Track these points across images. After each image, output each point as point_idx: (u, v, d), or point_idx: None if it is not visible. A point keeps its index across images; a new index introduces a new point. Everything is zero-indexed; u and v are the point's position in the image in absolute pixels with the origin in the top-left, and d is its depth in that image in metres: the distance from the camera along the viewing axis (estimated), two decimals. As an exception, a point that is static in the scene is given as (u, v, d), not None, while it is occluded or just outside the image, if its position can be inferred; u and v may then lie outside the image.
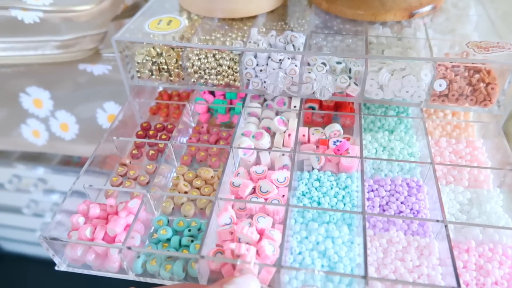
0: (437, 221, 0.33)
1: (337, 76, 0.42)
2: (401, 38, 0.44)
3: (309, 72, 0.41)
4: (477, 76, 0.39)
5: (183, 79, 0.45)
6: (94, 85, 0.58)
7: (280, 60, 0.41)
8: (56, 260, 0.35)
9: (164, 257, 0.34)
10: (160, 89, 0.52)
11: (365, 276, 0.29)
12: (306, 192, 0.37)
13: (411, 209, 0.36)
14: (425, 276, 0.32)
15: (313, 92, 0.41)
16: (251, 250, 0.30)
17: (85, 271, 0.35)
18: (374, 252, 0.33)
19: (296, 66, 0.41)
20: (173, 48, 0.45)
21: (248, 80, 0.43)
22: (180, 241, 0.35)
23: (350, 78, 0.42)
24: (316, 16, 0.49)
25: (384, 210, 0.36)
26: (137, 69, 0.45)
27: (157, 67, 0.45)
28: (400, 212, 0.36)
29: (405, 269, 0.32)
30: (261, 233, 0.33)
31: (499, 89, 0.39)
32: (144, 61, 0.45)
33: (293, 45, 0.42)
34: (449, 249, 0.31)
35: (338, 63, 0.42)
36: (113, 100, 0.59)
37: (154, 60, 0.45)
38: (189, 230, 0.36)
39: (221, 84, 0.44)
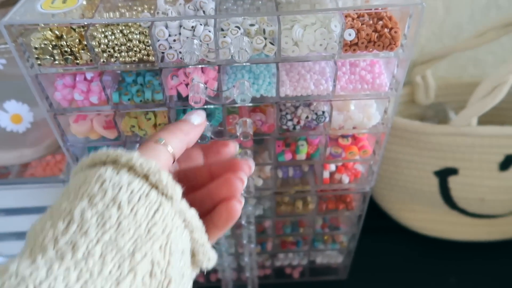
0: None
1: (253, 38, 0.41)
2: (307, -5, 0.45)
3: (224, 37, 0.41)
4: (380, 22, 0.41)
5: (91, 60, 0.42)
6: (-12, 84, 0.51)
7: (192, 27, 0.40)
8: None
9: (134, 91, 0.44)
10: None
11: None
12: None
13: None
14: None
15: (231, 56, 0.40)
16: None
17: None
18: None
19: (210, 31, 0.40)
20: (74, 29, 0.41)
21: (163, 53, 0.42)
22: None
23: (265, 38, 0.42)
24: (222, -17, 0.48)
25: None
26: (36, 56, 0.41)
27: (59, 51, 0.41)
28: None
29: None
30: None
31: (401, 33, 0.42)
32: (43, 45, 0.40)
33: (204, 11, 0.41)
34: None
35: (252, 25, 0.42)
36: (14, 99, 0.53)
37: (54, 43, 0.41)
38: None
39: (134, 60, 0.42)
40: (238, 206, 0.32)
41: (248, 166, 0.35)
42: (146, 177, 0.27)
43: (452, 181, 0.67)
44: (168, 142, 0.32)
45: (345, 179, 0.55)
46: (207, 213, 0.32)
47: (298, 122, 0.47)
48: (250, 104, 0.46)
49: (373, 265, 0.73)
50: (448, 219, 0.74)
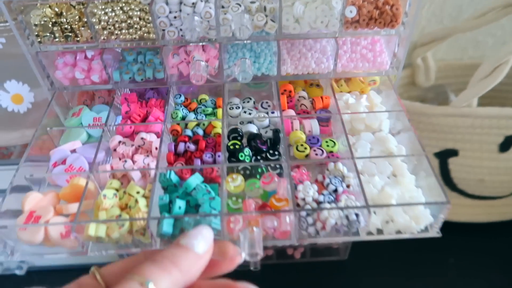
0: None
1: (253, 15, 0.41)
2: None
3: (225, 14, 0.41)
4: (382, -1, 0.41)
5: (91, 38, 0.41)
6: (-12, 64, 0.51)
7: (193, 3, 0.40)
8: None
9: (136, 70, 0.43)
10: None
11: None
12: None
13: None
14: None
15: (232, 34, 0.40)
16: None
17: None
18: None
19: (210, 8, 0.40)
20: (73, 6, 0.41)
21: (163, 30, 0.41)
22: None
23: (266, 16, 0.41)
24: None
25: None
26: (36, 33, 0.41)
27: (59, 28, 0.41)
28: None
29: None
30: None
31: (402, 10, 0.42)
32: (42, 22, 0.40)
33: (204, -12, 0.41)
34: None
35: (252, 2, 0.41)
36: (14, 78, 0.53)
37: (54, 21, 0.40)
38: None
39: (135, 38, 0.42)
40: None
41: None
42: None
43: (452, 162, 0.67)
44: (158, 285, 0.23)
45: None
46: None
47: (323, 228, 0.35)
48: (255, 211, 0.35)
49: (373, 246, 0.74)
50: (447, 201, 0.75)
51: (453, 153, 0.66)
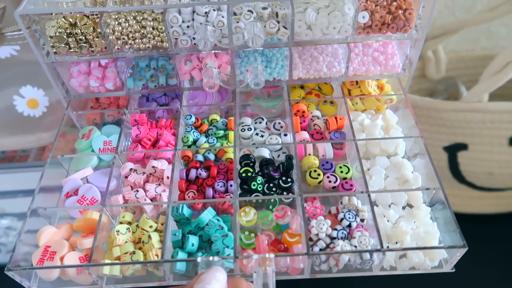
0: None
1: (266, 22, 0.41)
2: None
3: (237, 22, 0.41)
4: (395, 3, 0.41)
5: (105, 48, 0.42)
6: (3, 70, 0.52)
7: (206, 13, 0.40)
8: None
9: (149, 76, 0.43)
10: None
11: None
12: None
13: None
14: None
15: (245, 42, 0.41)
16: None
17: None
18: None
19: (223, 17, 0.40)
20: (87, 16, 0.41)
21: (176, 39, 0.42)
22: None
23: (278, 22, 0.41)
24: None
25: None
26: (52, 44, 0.41)
27: (74, 39, 0.41)
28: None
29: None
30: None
31: (415, 14, 0.42)
32: (57, 33, 0.41)
33: (216, -4, 0.41)
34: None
35: (264, 8, 0.41)
36: (29, 84, 0.53)
37: (69, 31, 0.41)
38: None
39: (148, 47, 0.42)
40: None
41: None
42: None
43: (461, 156, 0.68)
44: None
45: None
46: None
47: (336, 265, 0.36)
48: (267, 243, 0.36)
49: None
50: (456, 193, 0.76)
51: (463, 147, 0.67)
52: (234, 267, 0.35)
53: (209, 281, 0.28)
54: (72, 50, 0.42)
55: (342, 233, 0.36)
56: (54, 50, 0.42)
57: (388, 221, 0.39)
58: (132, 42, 0.42)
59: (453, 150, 0.68)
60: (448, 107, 0.62)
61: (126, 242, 0.37)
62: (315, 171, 0.41)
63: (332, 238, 0.36)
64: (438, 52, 0.72)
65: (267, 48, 0.44)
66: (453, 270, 0.37)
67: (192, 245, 0.36)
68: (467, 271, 0.70)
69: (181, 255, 0.35)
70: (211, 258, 0.33)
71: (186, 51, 0.43)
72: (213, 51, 0.44)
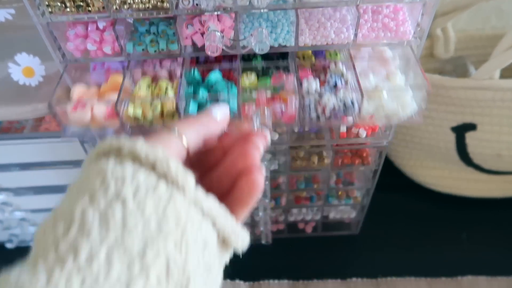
0: None
1: (271, -18, 0.39)
2: None
3: (242, -19, 0.39)
4: (407, -36, 0.39)
5: (103, 8, 0.40)
6: (-3, 36, 0.50)
7: (208, -30, 0.38)
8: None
9: (148, 41, 0.44)
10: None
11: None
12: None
13: None
14: None
15: (249, 2, 0.39)
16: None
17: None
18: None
19: (227, -25, 0.38)
20: (84, -26, 0.39)
21: (177, -1, 0.40)
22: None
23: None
24: None
25: None
26: (47, 3, 0.39)
27: (70, -3, 0.39)
28: None
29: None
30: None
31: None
32: (53, -9, 0.39)
33: (220, -47, 0.39)
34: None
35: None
36: (25, 51, 0.51)
37: (64, -11, 0.39)
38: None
39: (148, 7, 0.40)
40: (259, 177, 0.28)
41: (263, 136, 0.31)
42: (152, 167, 0.24)
43: (470, 136, 0.66)
44: (182, 132, 0.28)
45: (362, 133, 0.54)
46: (227, 192, 0.29)
47: (323, 112, 0.43)
48: (268, 92, 0.43)
49: (386, 221, 0.74)
50: (463, 176, 0.74)
51: (471, 127, 0.65)
52: (237, 111, 0.42)
53: (214, 107, 0.32)
54: (68, 9, 0.40)
55: (329, 89, 0.44)
56: (50, 10, 0.40)
57: (368, 84, 0.45)
58: (131, 1, 0.40)
59: (461, 131, 0.66)
60: (457, 84, 0.60)
61: (146, 96, 0.44)
62: (308, 56, 0.49)
63: (321, 95, 0.43)
64: (447, 30, 0.70)
65: (272, 10, 0.42)
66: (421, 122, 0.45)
67: (203, 97, 0.43)
68: (471, 254, 0.69)
69: (193, 103, 0.43)
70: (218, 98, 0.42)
71: (187, 12, 0.41)
72: (215, 13, 0.42)
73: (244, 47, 0.43)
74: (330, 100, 0.42)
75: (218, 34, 0.41)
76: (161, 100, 0.43)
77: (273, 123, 0.42)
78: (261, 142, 0.30)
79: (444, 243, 0.70)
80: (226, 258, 0.28)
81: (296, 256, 0.71)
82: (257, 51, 0.41)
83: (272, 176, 0.62)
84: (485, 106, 0.61)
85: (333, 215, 0.71)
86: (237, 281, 0.66)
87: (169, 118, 0.43)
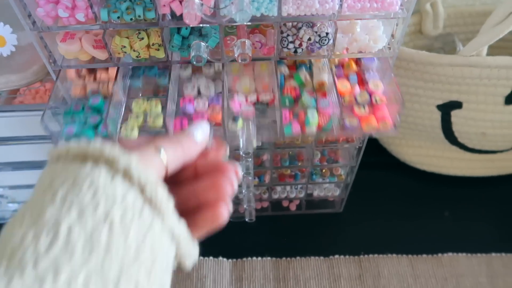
0: None
1: None
2: None
3: None
4: None
5: (74, -30, 0.38)
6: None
7: None
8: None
9: (124, 8, 0.42)
10: None
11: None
12: None
13: None
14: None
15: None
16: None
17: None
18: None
19: None
20: None
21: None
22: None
23: None
24: None
25: None
26: (13, -36, 0.37)
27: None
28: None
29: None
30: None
31: None
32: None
33: None
34: None
35: None
36: (-6, 19, 0.49)
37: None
38: None
39: (122, -29, 0.38)
40: (225, 213, 0.29)
41: (235, 171, 0.31)
42: (141, 189, 0.25)
43: (455, 115, 0.65)
44: (167, 152, 0.29)
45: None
46: (190, 210, 0.30)
47: (300, 45, 0.45)
48: (249, 23, 0.43)
49: (369, 198, 0.74)
50: (447, 155, 0.74)
51: (457, 105, 0.64)
52: (219, 42, 0.44)
53: (195, 127, 0.32)
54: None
55: (306, 24, 0.45)
56: (16, -28, 0.37)
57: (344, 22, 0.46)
58: (104, -36, 0.37)
59: (447, 109, 0.65)
60: (445, 61, 0.59)
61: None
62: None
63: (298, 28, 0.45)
64: (437, 5, 0.69)
65: None
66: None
67: (186, 29, 0.45)
68: (453, 231, 0.69)
69: (177, 36, 0.45)
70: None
71: (164, -22, 0.39)
72: (194, -21, 0.40)
73: (224, 16, 0.41)
74: (307, 33, 0.44)
75: (197, 1, 0.39)
76: (146, 32, 0.44)
77: (253, 55, 0.44)
78: (235, 177, 0.31)
79: (426, 221, 0.71)
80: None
81: (279, 234, 0.71)
82: (238, 20, 0.39)
83: (256, 153, 0.61)
84: (471, 84, 0.60)
85: (317, 193, 0.70)
86: (221, 258, 0.66)
87: (154, 52, 0.45)
